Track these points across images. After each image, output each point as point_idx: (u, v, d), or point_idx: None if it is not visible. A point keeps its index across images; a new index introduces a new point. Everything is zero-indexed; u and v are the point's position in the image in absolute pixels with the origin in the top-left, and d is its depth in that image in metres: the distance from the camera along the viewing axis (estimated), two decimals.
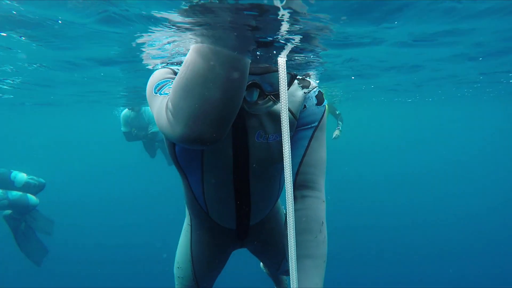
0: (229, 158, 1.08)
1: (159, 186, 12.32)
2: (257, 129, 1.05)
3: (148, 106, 6.03)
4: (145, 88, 1.00)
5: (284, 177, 1.35)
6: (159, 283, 4.69)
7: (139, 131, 5.75)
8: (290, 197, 0.76)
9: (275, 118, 1.05)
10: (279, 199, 1.49)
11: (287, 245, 1.01)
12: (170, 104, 0.73)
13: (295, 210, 1.04)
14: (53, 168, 16.51)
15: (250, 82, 0.86)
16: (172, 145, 1.10)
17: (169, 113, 0.73)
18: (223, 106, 0.68)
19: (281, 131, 1.03)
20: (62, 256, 6.38)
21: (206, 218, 1.30)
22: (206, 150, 1.06)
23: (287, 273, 1.83)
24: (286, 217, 1.10)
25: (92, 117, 15.57)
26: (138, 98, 5.92)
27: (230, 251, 1.54)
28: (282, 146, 1.06)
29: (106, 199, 11.41)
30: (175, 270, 1.53)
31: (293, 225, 0.76)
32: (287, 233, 0.79)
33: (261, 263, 2.53)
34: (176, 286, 1.58)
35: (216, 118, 0.69)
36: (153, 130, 5.73)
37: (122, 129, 5.73)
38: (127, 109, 5.71)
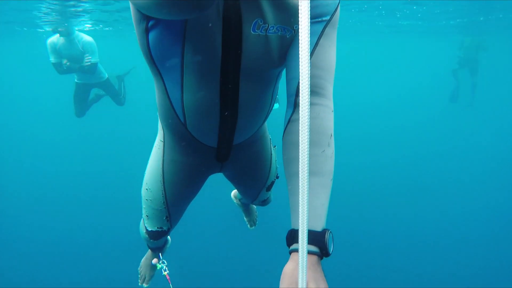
0: (216, 53, 0.86)
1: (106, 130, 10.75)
2: (254, 16, 0.83)
3: (82, 31, 5.18)
4: None
5: (277, 90, 1.14)
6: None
7: (73, 63, 4.92)
8: (306, 100, 0.58)
9: (279, 4, 0.84)
10: (265, 123, 1.33)
11: (296, 161, 0.84)
12: None
13: (298, 120, 0.88)
14: None
15: None
16: (144, 32, 0.86)
17: None
18: None
19: (285, 23, 0.85)
20: None
21: (183, 132, 1.11)
22: (188, 40, 0.84)
23: (263, 203, 1.76)
24: (286, 124, 0.93)
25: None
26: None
27: (207, 175, 1.39)
28: (283, 42, 0.89)
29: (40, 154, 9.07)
30: (143, 192, 1.38)
31: (307, 135, 0.60)
32: (299, 146, 0.63)
33: (232, 193, 2.47)
34: (143, 211, 1.44)
35: None
36: (92, 61, 4.86)
37: (51, 59, 4.90)
38: (56, 35, 4.81)
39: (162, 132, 1.26)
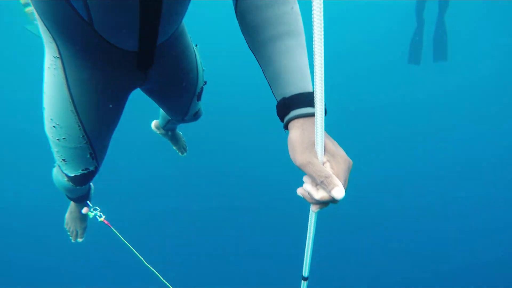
0: None
1: None
2: None
3: None
4: None
5: None
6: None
7: None
8: None
9: None
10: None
11: (267, 24, 0.72)
12: None
13: None
14: None
15: None
16: None
17: None
18: None
19: None
20: None
21: (88, 35, 0.80)
22: None
23: (195, 116, 1.57)
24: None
25: None
26: None
27: (129, 91, 1.12)
28: None
29: None
30: (50, 132, 1.05)
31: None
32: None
33: (153, 123, 2.21)
34: (55, 155, 1.12)
35: None
36: None
37: None
38: None
39: (54, 44, 0.88)
